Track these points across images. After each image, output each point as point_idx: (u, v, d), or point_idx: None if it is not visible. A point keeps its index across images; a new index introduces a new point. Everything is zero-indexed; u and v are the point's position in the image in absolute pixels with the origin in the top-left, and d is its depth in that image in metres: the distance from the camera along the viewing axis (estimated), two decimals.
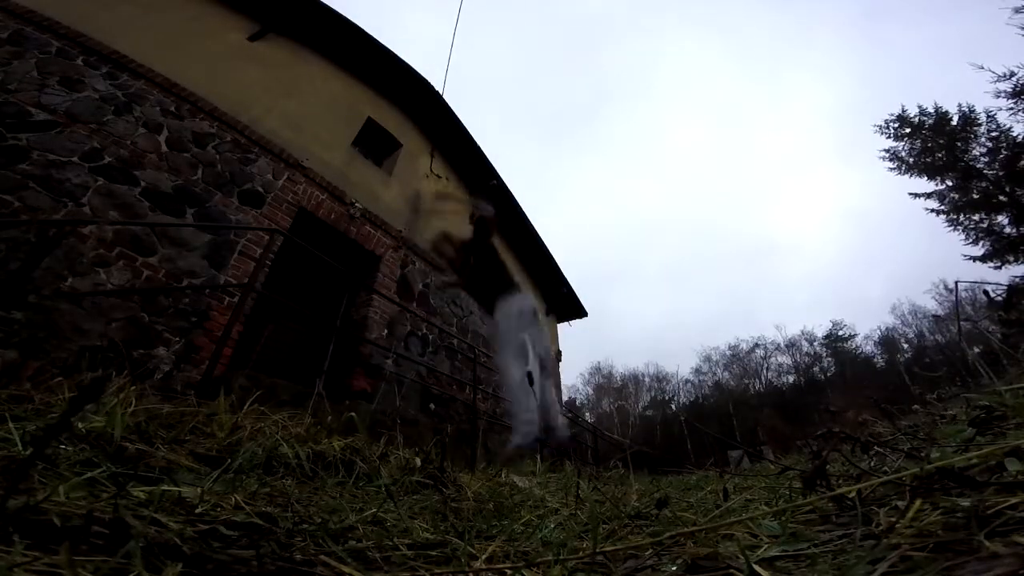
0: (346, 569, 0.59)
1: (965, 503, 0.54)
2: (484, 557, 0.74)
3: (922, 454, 0.80)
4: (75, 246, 3.78)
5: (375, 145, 7.83)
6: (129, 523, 0.53)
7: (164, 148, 4.78)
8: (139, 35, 5.14)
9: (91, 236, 3.91)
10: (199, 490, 0.80)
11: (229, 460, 1.32)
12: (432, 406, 6.61)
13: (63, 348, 3.44)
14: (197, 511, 0.73)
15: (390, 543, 0.77)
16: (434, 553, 0.76)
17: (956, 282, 1.57)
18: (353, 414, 2.26)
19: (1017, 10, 11.87)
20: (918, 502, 0.56)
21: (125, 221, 4.13)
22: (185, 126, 5.05)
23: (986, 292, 1.57)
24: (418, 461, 1.72)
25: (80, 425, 1.08)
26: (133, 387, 1.68)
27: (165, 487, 0.78)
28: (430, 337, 7.11)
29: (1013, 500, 0.51)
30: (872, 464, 1.03)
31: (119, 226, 4.05)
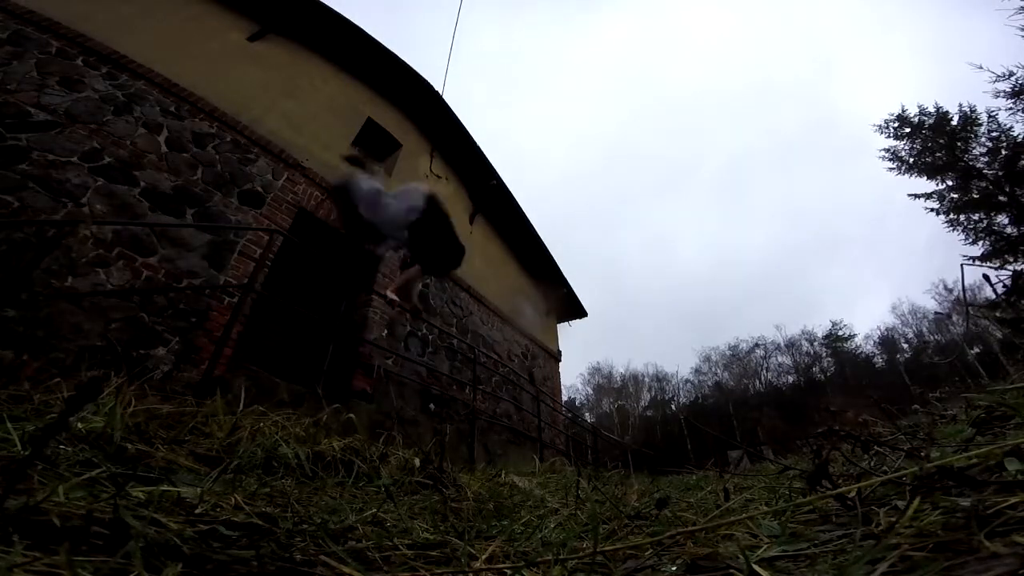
0: (346, 569, 0.59)
1: (965, 503, 0.54)
2: (484, 557, 0.74)
3: (922, 454, 0.80)
4: (74, 246, 3.78)
5: (375, 145, 7.83)
6: (129, 523, 0.53)
7: (164, 148, 4.78)
8: (139, 35, 5.14)
9: (91, 236, 3.91)
10: (199, 490, 0.80)
11: (228, 460, 1.32)
12: (432, 406, 6.61)
13: (62, 348, 3.44)
14: (197, 511, 0.73)
15: (390, 543, 0.77)
16: (434, 553, 0.76)
17: (962, 265, 1.56)
18: (352, 415, 2.27)
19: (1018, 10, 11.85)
20: (917, 501, 0.56)
21: (125, 221, 4.13)
22: (185, 126, 5.05)
23: (986, 276, 1.56)
24: (417, 461, 1.72)
25: (80, 425, 1.08)
26: (132, 387, 1.68)
27: (165, 487, 0.78)
28: (430, 337, 7.11)
29: (1013, 500, 0.51)
30: (872, 464, 1.03)
31: (119, 226, 4.05)
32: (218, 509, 0.79)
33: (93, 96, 4.52)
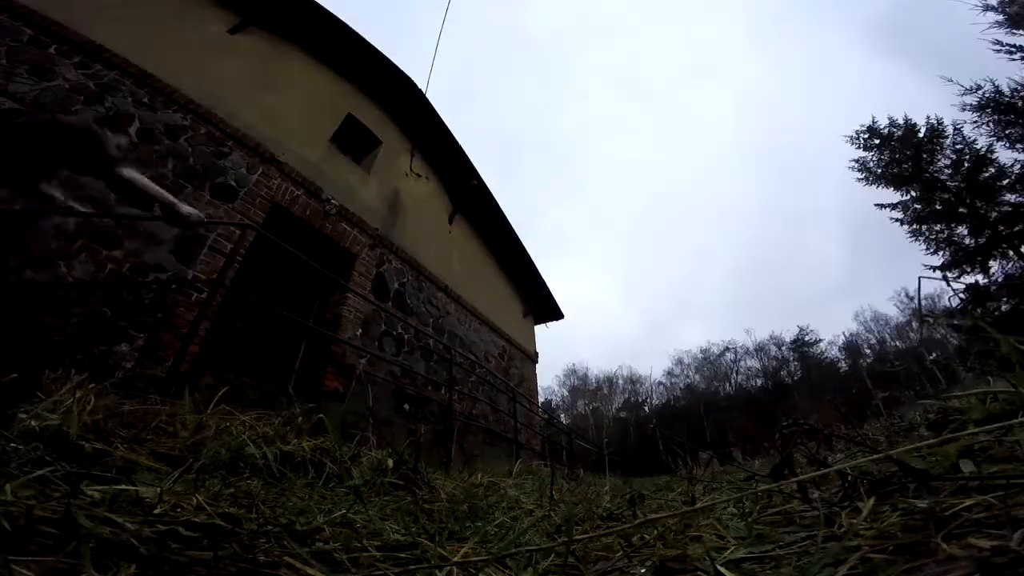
0: (311, 571, 0.58)
1: (923, 504, 0.56)
2: (455, 560, 0.73)
3: (879, 448, 0.83)
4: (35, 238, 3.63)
5: (354, 142, 7.73)
6: (80, 523, 0.51)
7: (134, 139, 4.62)
8: (117, 25, 4.97)
9: (51, 228, 3.76)
10: (158, 490, 0.77)
11: (192, 460, 1.28)
12: (407, 407, 6.55)
13: (18, 343, 3.30)
14: (156, 512, 0.70)
15: (359, 545, 0.75)
16: (404, 555, 0.75)
17: (919, 278, 1.62)
18: (324, 415, 2.22)
19: (992, 24, 12.30)
20: (872, 501, 0.57)
21: (90, 212, 3.98)
22: (158, 118, 4.90)
23: (946, 278, 1.62)
24: (391, 462, 1.70)
25: (33, 423, 1.04)
26: (92, 384, 1.62)
27: (122, 486, 0.75)
28: (405, 337, 7.05)
29: (968, 502, 0.52)
30: (834, 461, 1.06)
31: (82, 217, 3.91)
32: (179, 510, 0.76)
33: (63, 85, 4.36)
